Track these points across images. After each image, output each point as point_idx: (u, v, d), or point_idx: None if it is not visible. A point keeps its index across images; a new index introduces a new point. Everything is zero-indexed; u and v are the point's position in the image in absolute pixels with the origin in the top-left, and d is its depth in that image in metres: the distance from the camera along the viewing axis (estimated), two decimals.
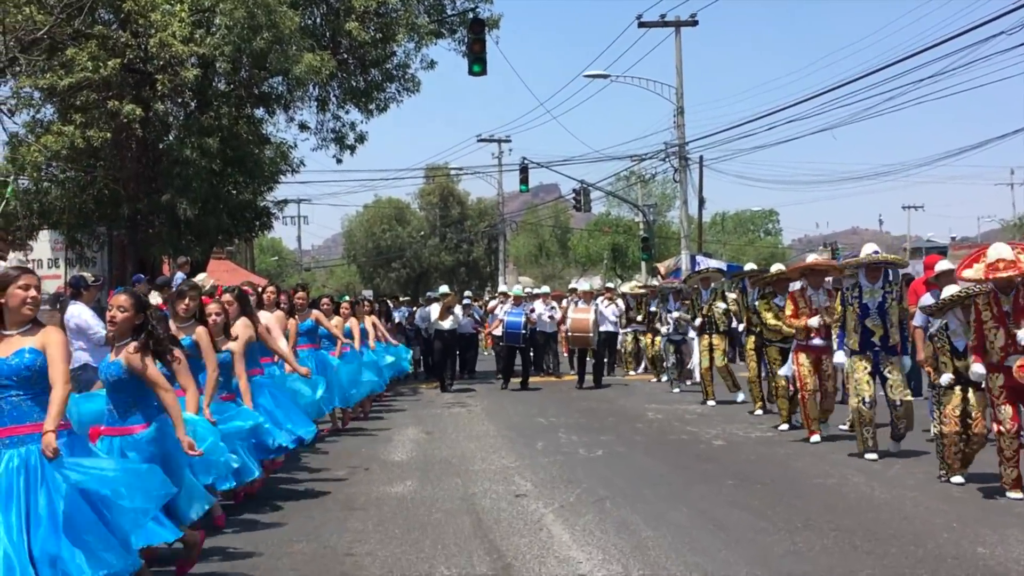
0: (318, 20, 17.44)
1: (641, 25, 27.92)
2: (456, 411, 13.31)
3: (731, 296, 13.64)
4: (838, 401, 10.26)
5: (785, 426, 10.45)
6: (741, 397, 12.85)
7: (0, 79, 14.15)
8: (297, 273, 62.29)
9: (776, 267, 11.95)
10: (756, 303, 11.29)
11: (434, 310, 16.66)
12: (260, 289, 9.43)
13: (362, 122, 18.81)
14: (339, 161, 19.02)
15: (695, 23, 28.07)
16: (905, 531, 5.91)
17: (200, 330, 6.09)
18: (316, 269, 72.95)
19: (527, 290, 20.81)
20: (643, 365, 18.47)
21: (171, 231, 15.51)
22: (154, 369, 4.86)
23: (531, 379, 16.66)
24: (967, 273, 6.87)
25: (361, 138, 18.67)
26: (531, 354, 17.28)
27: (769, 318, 10.80)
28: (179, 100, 15.62)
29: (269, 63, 14.95)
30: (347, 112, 18.52)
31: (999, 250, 6.71)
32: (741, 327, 13.23)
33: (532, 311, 17.05)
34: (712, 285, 13.71)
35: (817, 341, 9.61)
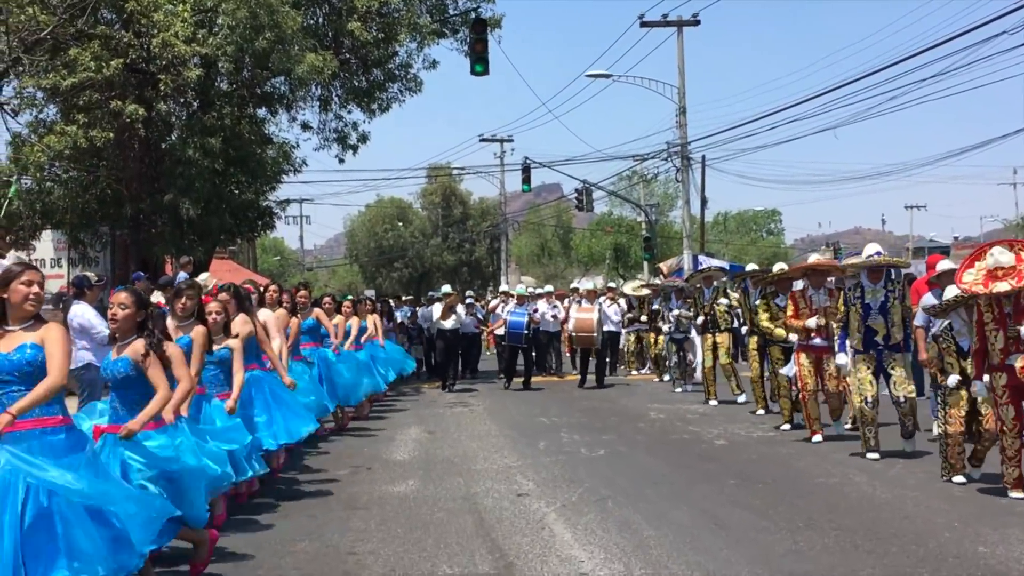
0: (320, 20, 17.47)
1: (643, 25, 27.91)
2: (458, 411, 13.32)
3: (733, 295, 13.64)
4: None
5: (787, 426, 10.45)
6: (743, 398, 12.85)
7: (3, 79, 14.17)
8: (299, 273, 62.29)
9: (778, 266, 11.95)
10: (757, 303, 11.30)
11: (436, 310, 16.68)
12: (262, 288, 9.45)
13: (364, 122, 18.90)
14: (341, 161, 19.09)
15: (697, 23, 28.05)
16: (906, 530, 5.92)
17: (198, 329, 6.00)
18: (318, 269, 72.98)
19: (530, 290, 20.84)
20: (647, 366, 18.49)
21: (174, 231, 15.54)
22: (157, 370, 4.85)
23: (533, 379, 16.67)
24: (967, 277, 6.83)
25: (363, 138, 18.71)
26: (533, 354, 17.29)
27: (763, 320, 10.82)
28: (182, 100, 15.65)
29: (271, 63, 14.97)
30: (349, 112, 18.58)
31: (998, 257, 6.60)
32: (744, 329, 13.22)
33: (535, 311, 17.07)
34: (714, 284, 13.72)
35: (818, 341, 9.62)
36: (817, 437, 9.52)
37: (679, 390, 14.95)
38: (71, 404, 4.81)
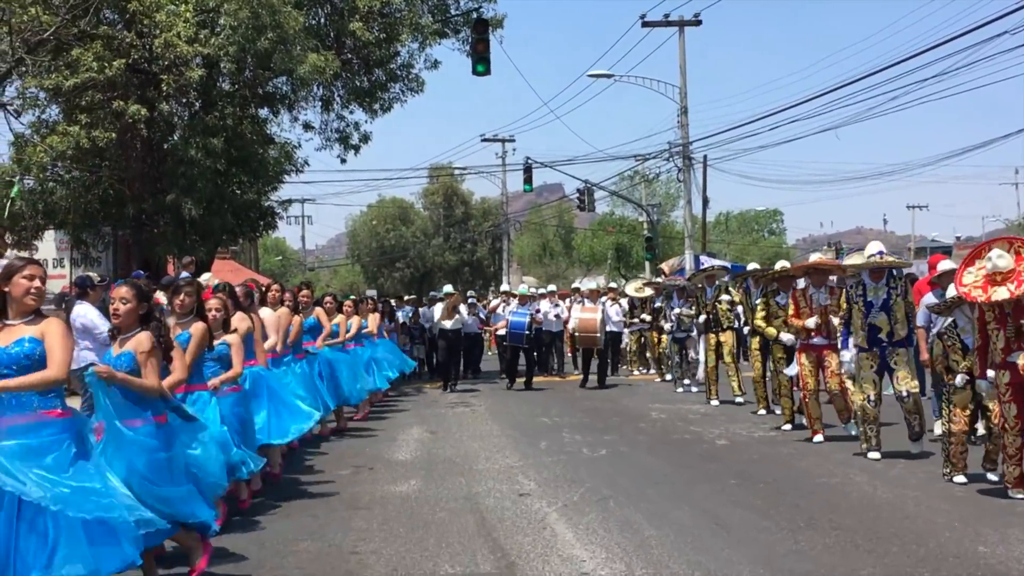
0: (322, 20, 17.49)
1: (645, 25, 27.91)
2: (460, 411, 13.34)
3: (735, 292, 13.65)
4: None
5: (788, 426, 10.47)
6: (741, 399, 12.84)
7: (6, 80, 14.20)
8: (301, 273, 62.33)
9: (780, 264, 11.97)
10: (757, 302, 11.33)
11: (438, 310, 16.70)
12: (264, 287, 9.47)
13: (366, 122, 18.88)
14: (343, 161, 19.12)
15: (699, 23, 28.06)
16: (907, 530, 5.93)
17: (198, 325, 5.95)
18: (320, 269, 73.02)
19: (532, 290, 20.86)
20: (649, 365, 18.51)
21: (176, 231, 15.56)
22: (152, 368, 4.79)
23: (535, 379, 16.69)
24: (967, 278, 6.82)
25: (365, 138, 18.73)
26: (535, 354, 17.30)
27: (757, 318, 10.86)
28: (184, 100, 15.67)
29: (273, 63, 14.99)
30: (351, 112, 18.60)
31: (996, 262, 6.56)
32: (747, 329, 13.23)
33: (537, 311, 17.09)
34: (716, 282, 13.74)
35: (818, 340, 9.63)
36: (818, 437, 9.53)
37: (680, 390, 14.96)
38: (73, 404, 4.79)
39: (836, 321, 9.36)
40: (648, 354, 18.45)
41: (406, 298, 22.87)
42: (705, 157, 32.29)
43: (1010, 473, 6.75)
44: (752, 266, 15.07)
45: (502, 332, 17.29)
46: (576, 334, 16.52)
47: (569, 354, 19.89)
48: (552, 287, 20.69)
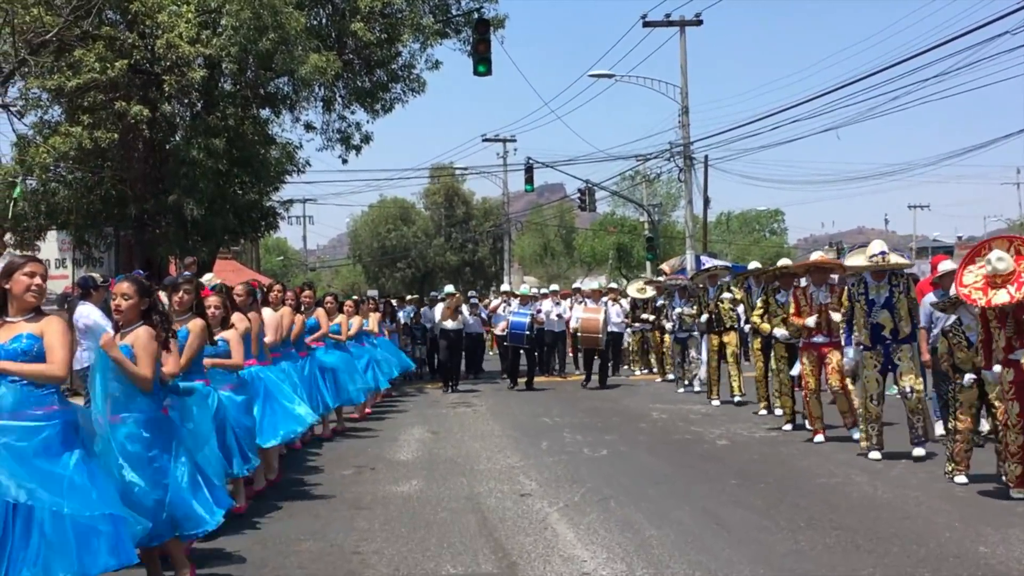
0: (324, 21, 17.50)
1: (646, 25, 27.92)
2: (461, 411, 13.36)
3: (736, 291, 13.67)
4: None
5: (789, 426, 10.48)
6: (738, 398, 12.84)
7: (9, 81, 14.23)
8: (302, 273, 62.38)
9: (783, 262, 11.99)
10: (758, 301, 11.35)
11: (439, 310, 16.71)
12: (266, 287, 9.49)
13: (368, 122, 18.88)
14: (345, 161, 19.12)
15: (700, 23, 28.06)
16: (907, 530, 5.95)
17: (196, 321, 5.93)
18: (321, 269, 73.09)
19: (533, 290, 20.86)
20: (651, 365, 18.52)
21: (178, 231, 15.58)
22: (146, 360, 4.73)
23: (536, 379, 16.70)
24: (967, 279, 6.82)
25: (367, 138, 18.74)
26: (536, 355, 17.32)
27: (755, 315, 10.89)
28: (186, 101, 15.69)
29: (275, 64, 15.01)
30: (353, 112, 18.59)
31: (995, 265, 6.55)
32: (748, 327, 13.25)
33: (538, 311, 17.11)
34: (719, 282, 13.75)
35: (819, 338, 9.63)
36: (819, 437, 9.54)
37: (681, 390, 14.98)
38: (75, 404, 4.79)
39: (836, 317, 9.35)
40: (652, 355, 18.43)
41: (408, 298, 22.88)
42: (706, 157, 32.30)
43: (1011, 472, 6.75)
44: (754, 265, 15.08)
45: (502, 332, 17.31)
46: (578, 334, 16.53)
47: (570, 354, 19.91)
48: (555, 287, 20.69)
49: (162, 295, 7.99)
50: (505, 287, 21.38)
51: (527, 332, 16.10)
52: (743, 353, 14.90)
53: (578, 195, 37.28)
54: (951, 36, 18.41)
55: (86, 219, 15.57)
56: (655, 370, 18.11)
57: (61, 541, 3.96)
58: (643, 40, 58.39)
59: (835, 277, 10.09)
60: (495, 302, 19.54)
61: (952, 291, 7.44)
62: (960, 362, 7.29)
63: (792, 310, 9.89)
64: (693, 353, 14.95)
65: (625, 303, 18.55)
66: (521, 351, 16.51)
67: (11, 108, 14.50)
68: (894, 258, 8.75)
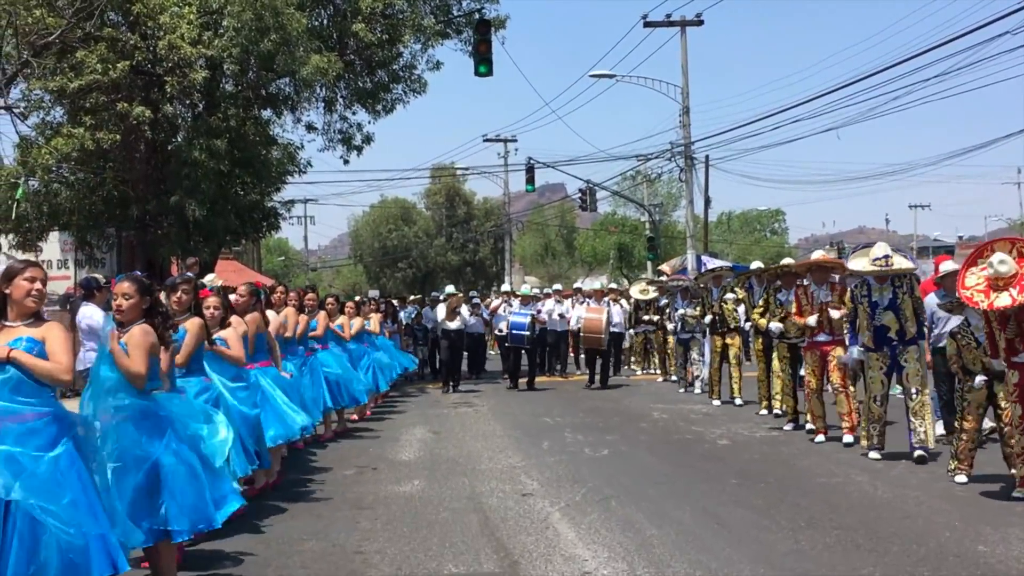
0: (325, 21, 17.53)
1: (647, 25, 27.92)
2: (463, 411, 13.39)
3: (739, 291, 13.69)
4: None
5: (789, 425, 10.51)
6: (739, 401, 12.86)
7: (12, 82, 14.26)
8: (303, 273, 62.48)
9: (785, 261, 12.01)
10: (759, 300, 11.37)
11: (440, 310, 16.73)
12: (269, 288, 9.51)
13: (369, 123, 18.91)
14: (346, 162, 19.17)
15: (700, 23, 28.07)
16: (907, 530, 5.97)
17: (194, 320, 5.94)
18: (323, 269, 73.17)
19: (535, 290, 20.88)
20: (653, 365, 18.54)
21: (180, 232, 15.61)
22: (138, 355, 4.67)
23: (537, 379, 16.73)
24: (969, 281, 6.81)
25: (368, 139, 18.77)
26: (538, 355, 17.33)
27: (754, 314, 10.93)
28: (187, 102, 15.71)
29: (276, 65, 15.04)
30: (354, 113, 18.63)
31: (997, 268, 6.56)
32: (748, 325, 13.28)
33: (538, 311, 17.13)
34: (723, 283, 13.77)
35: (822, 337, 9.64)
36: (820, 437, 9.57)
37: (682, 390, 15.01)
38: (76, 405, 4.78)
39: (835, 314, 9.35)
40: (655, 355, 18.41)
41: (411, 298, 22.90)
42: (707, 157, 32.32)
43: (1020, 472, 6.75)
44: (756, 265, 15.09)
45: (503, 333, 17.32)
46: (581, 334, 16.55)
47: (571, 354, 19.92)
48: (557, 286, 20.73)
49: (163, 297, 8.01)
50: (506, 287, 21.40)
51: (527, 332, 16.12)
52: (744, 353, 14.91)
53: (579, 195, 37.32)
54: (951, 36, 18.42)
55: (88, 220, 15.60)
56: (656, 370, 18.14)
57: (47, 554, 3.92)
58: (644, 40, 58.33)
59: (835, 276, 10.10)
60: (496, 302, 19.55)
61: (952, 292, 7.45)
62: (969, 363, 7.28)
63: (794, 309, 9.91)
64: (695, 355, 14.96)
65: (626, 303, 18.58)
66: (522, 351, 16.52)
67: (14, 110, 14.53)
68: (898, 260, 8.59)
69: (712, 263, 18.32)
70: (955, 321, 8.28)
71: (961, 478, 7.26)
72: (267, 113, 17.41)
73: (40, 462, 4.02)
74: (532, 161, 35.67)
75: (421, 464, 8.93)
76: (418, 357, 18.25)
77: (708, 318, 13.51)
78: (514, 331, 16.19)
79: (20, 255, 15.50)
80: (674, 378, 16.18)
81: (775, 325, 10.53)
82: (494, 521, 6.49)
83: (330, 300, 11.66)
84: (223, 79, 15.88)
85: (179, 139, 15.68)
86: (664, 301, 16.97)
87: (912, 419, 8.39)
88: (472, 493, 7.44)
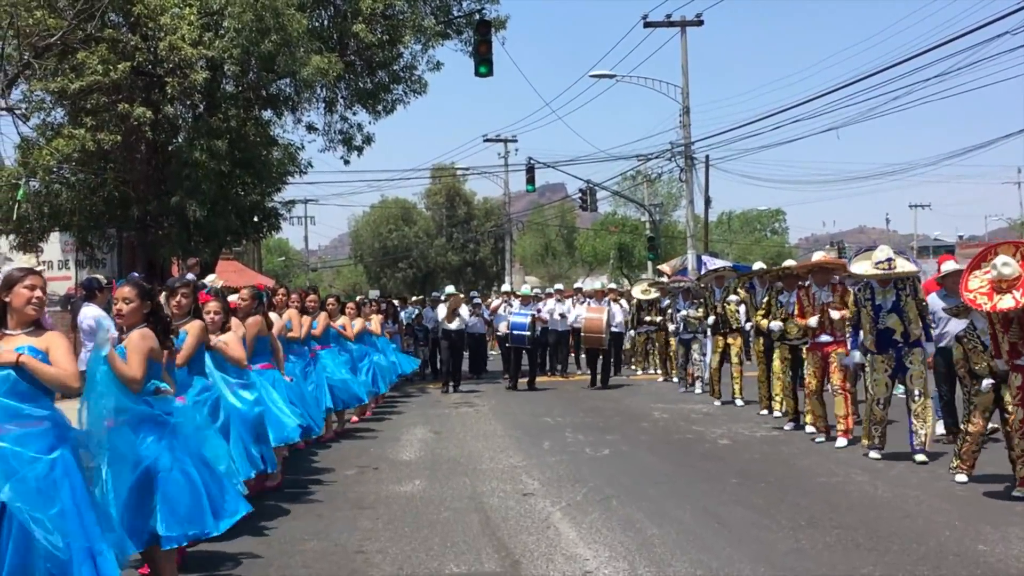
0: (325, 22, 17.56)
1: (647, 25, 27.94)
2: (463, 411, 13.41)
3: (742, 292, 13.71)
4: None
5: (790, 424, 10.53)
6: (740, 403, 12.87)
7: (14, 84, 14.28)
8: (304, 273, 62.53)
9: (788, 263, 12.02)
10: (762, 301, 11.39)
11: (441, 310, 16.74)
12: (271, 290, 9.53)
13: (369, 123, 18.95)
14: (347, 162, 19.19)
15: (701, 23, 28.08)
16: (907, 529, 5.99)
17: (195, 322, 5.94)
18: (323, 269, 73.20)
19: (535, 290, 20.88)
20: (655, 365, 18.55)
21: (180, 232, 15.63)
22: (135, 359, 4.66)
23: (538, 379, 16.73)
24: (972, 284, 6.81)
25: (368, 139, 18.79)
26: (539, 354, 17.32)
27: (757, 316, 10.94)
28: (188, 103, 15.74)
29: (277, 65, 15.07)
30: (354, 113, 18.67)
31: (1001, 270, 6.55)
32: (749, 325, 13.29)
33: (539, 311, 17.14)
34: (725, 283, 13.78)
35: (824, 338, 9.65)
36: (821, 437, 9.58)
37: (683, 390, 15.02)
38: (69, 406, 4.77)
39: (835, 315, 9.36)
40: (657, 355, 18.40)
41: (413, 299, 22.89)
42: (707, 157, 32.36)
43: (1019, 471, 6.77)
44: (758, 265, 15.11)
45: (504, 333, 17.32)
46: (581, 334, 16.57)
47: (571, 354, 19.93)
48: (559, 286, 20.76)
49: (162, 297, 8.03)
50: (506, 287, 21.42)
51: (528, 332, 16.13)
52: (745, 353, 14.93)
53: (579, 195, 37.34)
54: (951, 36, 18.44)
55: (89, 221, 15.62)
56: (657, 371, 18.14)
57: (37, 559, 3.90)
58: (644, 40, 58.47)
59: (836, 277, 10.10)
60: (496, 302, 19.57)
61: (954, 291, 7.45)
62: (976, 367, 7.27)
63: (796, 311, 9.92)
64: (696, 355, 14.98)
65: (626, 303, 18.59)
66: (523, 351, 16.53)
67: (15, 111, 14.55)
68: (901, 263, 8.51)
69: (712, 263, 18.35)
70: (956, 321, 8.30)
71: (961, 477, 7.27)
72: (268, 114, 17.45)
73: (34, 466, 4.01)
74: (532, 161, 35.72)
75: (422, 464, 8.95)
76: (419, 358, 18.26)
77: (711, 318, 13.51)
78: (515, 331, 16.19)
79: (21, 256, 15.53)
80: (675, 378, 16.19)
81: (775, 324, 10.57)
82: (495, 521, 6.50)
83: (331, 301, 11.68)
84: (224, 80, 15.91)
85: (180, 140, 15.71)
86: (666, 302, 16.98)
87: (914, 421, 8.38)
88: (473, 493, 7.46)
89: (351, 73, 17.64)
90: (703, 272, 16.93)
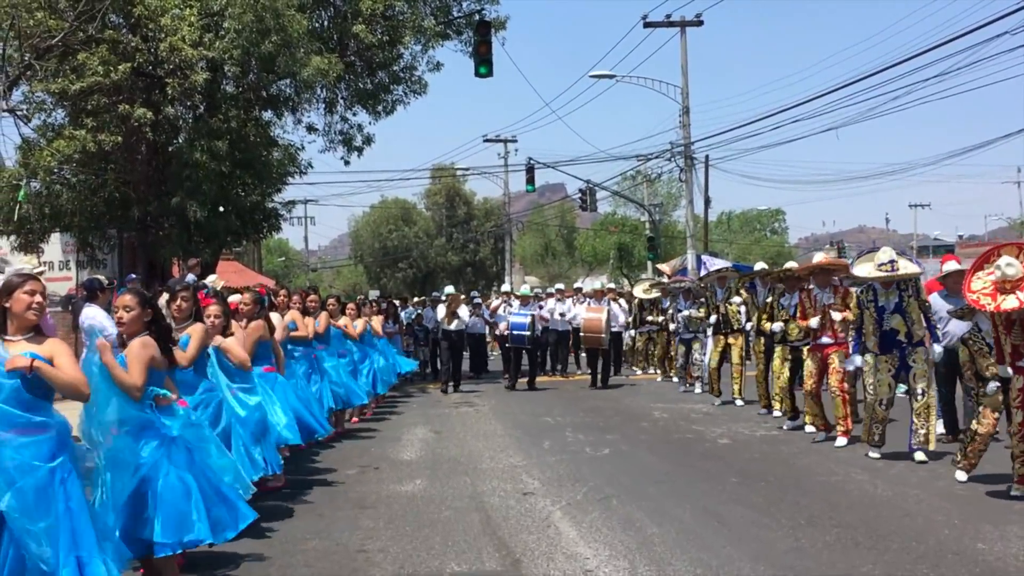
0: (325, 23, 17.58)
1: (647, 25, 27.98)
2: (464, 410, 13.43)
3: (744, 294, 13.72)
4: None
5: (789, 423, 10.55)
6: (740, 403, 12.89)
7: (15, 86, 14.30)
8: (304, 274, 62.55)
9: (789, 264, 12.03)
10: (768, 301, 11.41)
11: (440, 310, 16.76)
12: (272, 292, 9.56)
13: (369, 124, 18.96)
14: (347, 163, 19.21)
15: (700, 23, 28.13)
16: (906, 528, 6.01)
17: (197, 325, 5.96)
18: (323, 269, 73.22)
19: (535, 290, 20.90)
20: (656, 366, 18.56)
21: (181, 233, 15.65)
22: (136, 367, 4.66)
23: (538, 379, 16.75)
24: (975, 285, 6.82)
25: (368, 140, 18.80)
26: (539, 354, 17.32)
27: (763, 320, 10.98)
28: (189, 103, 15.76)
29: (277, 66, 15.08)
30: (355, 114, 18.68)
31: (1004, 271, 6.57)
32: (749, 325, 13.31)
33: (540, 308, 17.16)
34: (727, 283, 13.80)
35: (825, 339, 9.67)
36: (820, 435, 9.61)
37: (682, 390, 15.04)
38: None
39: (836, 316, 9.38)
40: (658, 354, 18.40)
41: (415, 300, 22.89)
42: (707, 157, 32.41)
43: (1018, 469, 6.79)
44: (759, 266, 15.12)
45: (504, 333, 17.34)
46: (581, 334, 16.59)
47: (572, 354, 19.94)
48: (560, 286, 20.79)
49: (163, 299, 8.07)
50: (506, 287, 21.44)
51: (528, 332, 16.15)
52: (746, 353, 14.94)
53: (579, 195, 37.37)
54: (951, 36, 18.49)
55: (90, 221, 15.64)
56: (656, 370, 18.15)
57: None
58: (644, 40, 58.59)
59: (837, 278, 10.12)
60: (495, 302, 19.59)
61: (955, 291, 7.46)
62: (982, 369, 7.28)
63: (798, 314, 9.95)
64: (697, 355, 15.00)
65: (624, 302, 18.61)
66: (523, 351, 16.55)
67: (16, 112, 14.57)
68: (903, 265, 8.52)
69: (712, 263, 18.34)
70: (956, 322, 8.32)
71: (961, 475, 7.27)
72: (268, 114, 17.46)
73: (34, 475, 4.02)
74: (532, 161, 35.75)
75: (423, 463, 8.97)
76: (419, 358, 18.26)
77: (713, 318, 13.53)
78: (514, 331, 16.22)
79: (22, 257, 15.54)
80: (675, 378, 16.20)
81: (777, 325, 10.60)
82: (496, 520, 6.53)
83: (331, 301, 11.70)
84: (224, 81, 15.93)
85: (180, 140, 15.72)
86: (667, 303, 16.99)
87: (915, 420, 8.40)
88: (474, 492, 7.48)
89: (351, 74, 17.66)
90: (704, 272, 16.93)
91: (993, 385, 7.08)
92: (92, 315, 8.82)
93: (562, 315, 18.00)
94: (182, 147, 15.35)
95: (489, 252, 56.15)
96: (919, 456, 8.24)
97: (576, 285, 23.97)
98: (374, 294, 33.21)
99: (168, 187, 15.48)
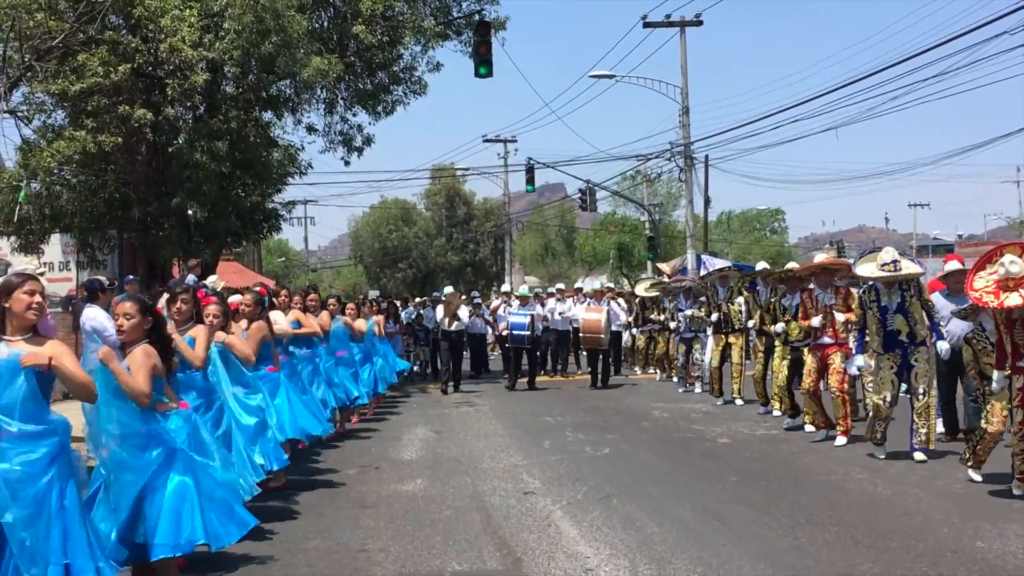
0: (325, 24, 17.59)
1: (646, 25, 28.00)
2: (464, 410, 13.44)
3: (747, 294, 13.73)
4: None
5: (788, 421, 10.57)
6: (740, 402, 12.91)
7: (16, 87, 14.31)
8: (304, 274, 62.54)
9: (791, 265, 12.05)
10: (771, 300, 11.43)
11: (440, 310, 16.77)
12: (273, 292, 9.57)
13: (369, 124, 18.96)
14: (347, 163, 19.22)
15: (700, 23, 28.15)
16: (906, 526, 6.03)
17: (198, 328, 5.99)
18: (323, 270, 73.22)
19: (535, 290, 20.91)
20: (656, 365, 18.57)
21: (181, 233, 15.67)
22: (140, 374, 4.68)
23: (538, 379, 16.75)
24: (978, 284, 6.83)
25: (368, 140, 18.81)
26: (539, 354, 17.32)
27: (767, 321, 11.00)
28: (189, 104, 15.77)
29: (277, 67, 15.09)
30: (355, 114, 18.67)
31: (1008, 268, 6.58)
32: (751, 323, 13.31)
33: (542, 306, 17.18)
34: (729, 283, 13.81)
35: (826, 339, 9.68)
36: (820, 434, 9.62)
37: (682, 389, 15.05)
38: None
39: (839, 317, 9.39)
40: (658, 353, 18.40)
41: (417, 300, 22.89)
42: (707, 157, 32.41)
43: (1017, 467, 6.81)
44: (761, 265, 15.14)
45: (503, 333, 17.36)
46: (580, 334, 16.60)
47: (572, 354, 19.95)
48: (560, 286, 20.82)
49: (163, 301, 8.06)
50: (506, 287, 21.45)
51: (527, 332, 16.16)
52: (746, 353, 14.96)
53: (579, 195, 37.39)
54: (951, 36, 18.51)
55: (90, 222, 15.65)
56: (655, 370, 18.16)
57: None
58: (643, 40, 58.64)
59: (837, 278, 10.13)
60: (495, 302, 19.60)
61: (956, 291, 7.47)
62: (986, 368, 7.28)
63: (800, 314, 9.97)
64: (697, 355, 15.00)
65: (624, 302, 18.63)
66: (523, 351, 16.56)
67: (17, 113, 14.58)
68: (906, 265, 8.51)
69: (712, 263, 18.37)
70: (957, 321, 8.33)
71: (976, 476, 7.23)
72: (268, 115, 17.47)
73: (33, 483, 4.03)
74: (532, 161, 35.77)
75: (423, 463, 8.99)
76: (419, 358, 18.26)
77: (714, 316, 13.55)
78: (514, 331, 16.23)
79: (22, 257, 15.56)
80: (675, 378, 16.22)
81: (779, 326, 10.62)
82: (496, 519, 6.54)
83: (332, 301, 11.71)
84: (224, 81, 15.94)
85: (180, 141, 15.73)
86: (667, 304, 17.00)
87: (916, 419, 8.41)
88: (474, 492, 7.50)
89: (351, 74, 17.66)
90: (704, 272, 16.94)
91: (1000, 376, 6.99)
92: (93, 316, 8.81)
93: (562, 315, 18.01)
94: (182, 148, 15.36)
95: (489, 252, 56.16)
96: (919, 456, 8.26)
97: (576, 285, 23.98)
98: (374, 294, 33.21)
99: (168, 188, 15.49)
